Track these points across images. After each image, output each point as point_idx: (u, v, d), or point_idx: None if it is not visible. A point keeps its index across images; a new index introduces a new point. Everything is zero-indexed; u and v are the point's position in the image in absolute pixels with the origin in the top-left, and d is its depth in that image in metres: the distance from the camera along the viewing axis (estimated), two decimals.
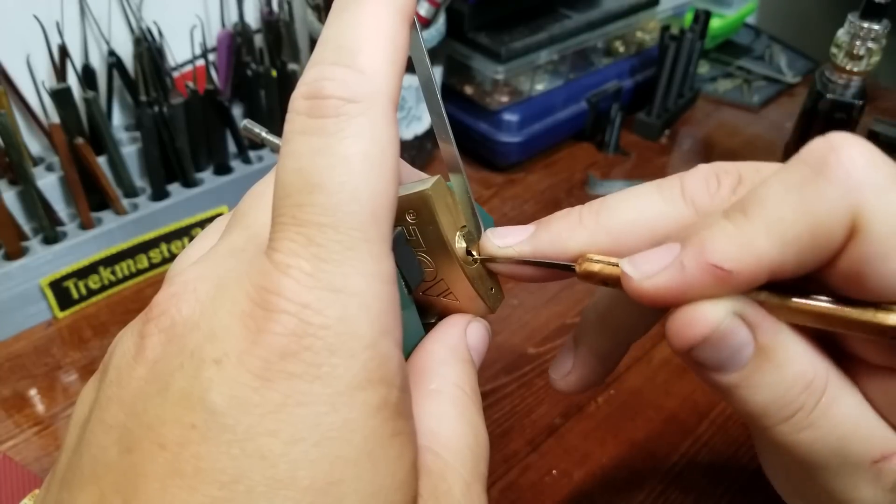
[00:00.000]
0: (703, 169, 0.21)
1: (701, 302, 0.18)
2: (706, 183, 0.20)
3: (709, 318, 0.18)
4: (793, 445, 0.19)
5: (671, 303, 0.18)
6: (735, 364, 0.18)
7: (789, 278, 0.18)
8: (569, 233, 0.21)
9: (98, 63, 0.56)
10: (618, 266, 0.19)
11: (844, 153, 0.17)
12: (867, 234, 0.16)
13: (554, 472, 0.42)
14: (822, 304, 0.18)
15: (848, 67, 0.52)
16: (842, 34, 0.52)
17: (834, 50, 0.52)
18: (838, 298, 0.18)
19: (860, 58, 0.51)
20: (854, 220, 0.16)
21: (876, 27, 0.50)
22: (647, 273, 0.18)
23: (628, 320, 0.24)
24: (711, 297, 0.18)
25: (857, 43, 0.51)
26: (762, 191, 0.18)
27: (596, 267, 0.20)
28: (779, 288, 0.18)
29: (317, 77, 0.17)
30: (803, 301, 0.18)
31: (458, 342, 0.23)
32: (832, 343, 0.20)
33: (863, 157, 0.17)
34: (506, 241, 0.23)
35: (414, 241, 0.23)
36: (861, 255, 0.16)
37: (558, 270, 0.22)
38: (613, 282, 0.20)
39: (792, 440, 0.19)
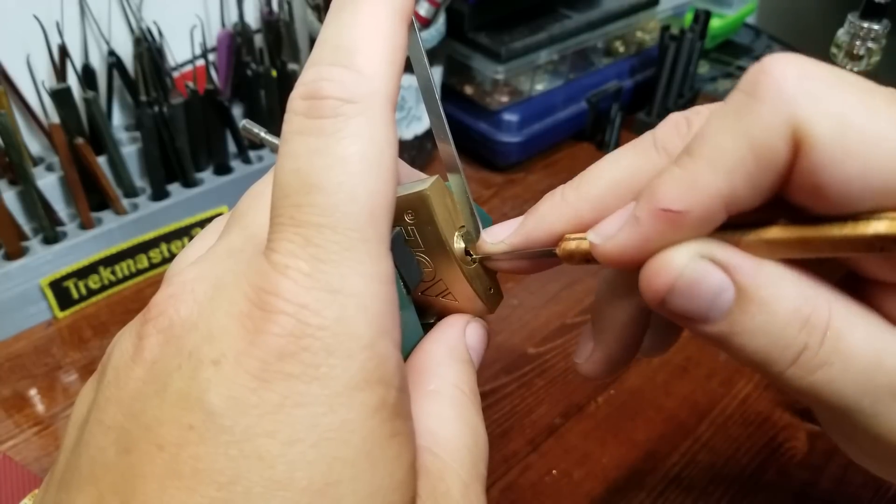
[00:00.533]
0: (672, 116, 0.21)
1: (664, 250, 0.17)
2: (676, 128, 0.20)
3: (672, 263, 0.17)
4: (813, 390, 0.17)
5: (637, 259, 0.18)
6: (717, 311, 0.17)
7: (751, 208, 0.17)
8: (554, 213, 0.21)
9: (98, 63, 0.56)
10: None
11: (775, 70, 0.16)
12: (812, 143, 0.16)
13: (554, 472, 0.42)
14: (798, 227, 0.17)
15: (848, 67, 0.52)
16: (842, 34, 0.52)
17: (834, 50, 0.52)
18: (815, 219, 0.17)
19: (860, 58, 0.51)
20: (795, 132, 0.16)
21: (876, 27, 0.50)
22: (608, 235, 0.18)
23: (635, 282, 0.24)
24: (671, 244, 0.17)
25: (857, 43, 0.51)
26: (703, 127, 0.17)
27: (573, 245, 0.20)
28: (752, 224, 0.17)
29: (315, 77, 0.17)
30: (779, 228, 0.17)
31: (456, 342, 0.23)
32: (846, 272, 0.19)
33: (793, 69, 0.16)
34: (497, 236, 0.23)
35: (412, 241, 0.23)
36: (812, 167, 0.16)
37: (550, 258, 0.22)
38: (591, 256, 0.19)
39: (808, 384, 0.17)
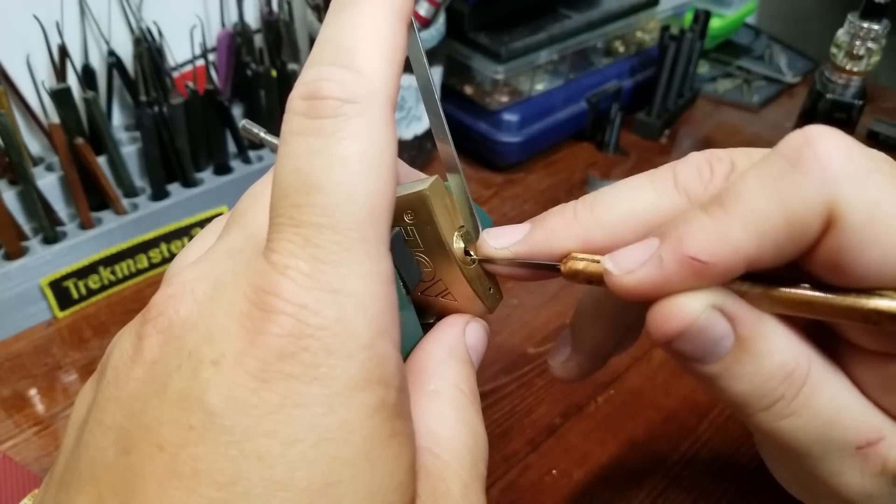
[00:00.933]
0: (695, 157, 0.21)
1: (679, 295, 0.18)
2: (699, 172, 0.20)
3: (686, 310, 0.18)
4: (775, 433, 0.19)
5: (652, 297, 0.18)
6: (714, 355, 0.18)
7: (768, 269, 0.18)
8: (564, 230, 0.21)
9: (98, 63, 0.56)
10: (600, 263, 0.20)
11: (820, 146, 0.17)
12: (843, 225, 0.16)
13: (554, 472, 0.42)
14: (804, 292, 0.18)
15: (848, 67, 0.52)
16: (842, 34, 0.52)
17: (834, 50, 0.52)
18: (821, 286, 0.18)
19: (860, 58, 0.51)
20: (830, 211, 0.17)
21: (876, 27, 0.50)
22: (628, 268, 0.19)
23: (622, 306, 0.24)
24: (689, 289, 0.18)
25: (857, 43, 0.51)
26: (740, 184, 0.18)
27: (580, 265, 0.21)
28: (762, 278, 0.18)
29: (314, 77, 0.17)
30: (786, 290, 0.18)
31: (456, 342, 0.23)
32: (823, 327, 0.20)
33: (838, 149, 0.17)
34: (501, 241, 0.23)
35: (412, 241, 0.23)
36: (838, 246, 0.17)
37: (551, 271, 0.22)
38: (598, 279, 0.20)
39: (773, 428, 0.19)
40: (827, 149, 0.17)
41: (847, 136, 0.17)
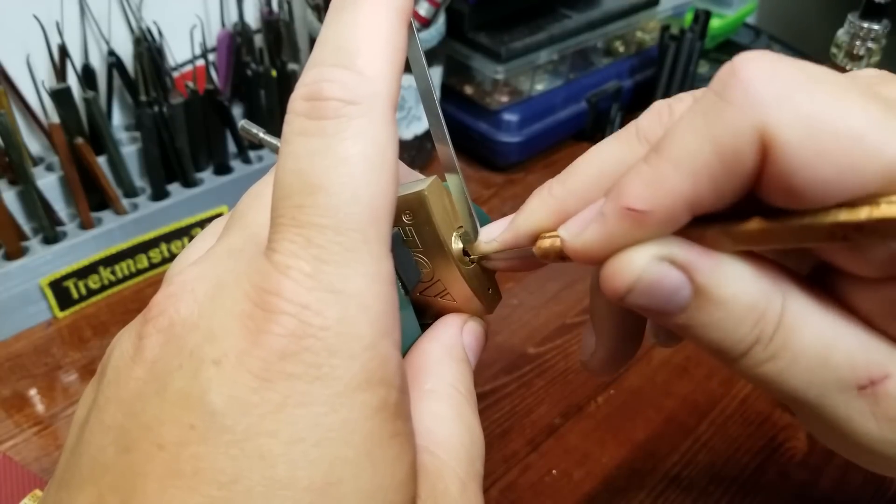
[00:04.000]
0: (657, 103, 0.20)
1: (625, 250, 0.17)
2: (658, 116, 0.20)
3: (632, 265, 0.17)
4: (761, 380, 0.18)
5: (604, 256, 0.18)
6: (674, 307, 0.18)
7: (718, 209, 0.17)
8: (542, 208, 0.21)
9: (98, 63, 0.56)
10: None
11: (743, 71, 0.16)
12: (779, 146, 0.15)
13: (554, 472, 0.42)
14: (761, 221, 0.17)
15: (848, 67, 0.52)
16: (842, 34, 0.52)
17: (834, 50, 0.52)
18: (779, 212, 0.16)
19: (860, 58, 0.51)
20: (762, 136, 0.15)
21: (876, 27, 0.50)
22: (577, 232, 0.18)
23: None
24: (636, 242, 0.17)
25: (857, 43, 0.51)
26: (674, 125, 0.17)
27: (547, 243, 0.20)
28: (721, 217, 0.17)
29: (316, 79, 0.17)
30: (742, 223, 0.17)
31: (453, 341, 0.23)
32: (821, 265, 0.19)
33: (761, 70, 0.16)
34: (489, 234, 0.23)
35: (410, 241, 0.23)
36: (782, 170, 0.15)
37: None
38: (563, 253, 0.19)
39: (758, 374, 0.18)
40: (750, 71, 0.16)
41: (778, 55, 0.16)
